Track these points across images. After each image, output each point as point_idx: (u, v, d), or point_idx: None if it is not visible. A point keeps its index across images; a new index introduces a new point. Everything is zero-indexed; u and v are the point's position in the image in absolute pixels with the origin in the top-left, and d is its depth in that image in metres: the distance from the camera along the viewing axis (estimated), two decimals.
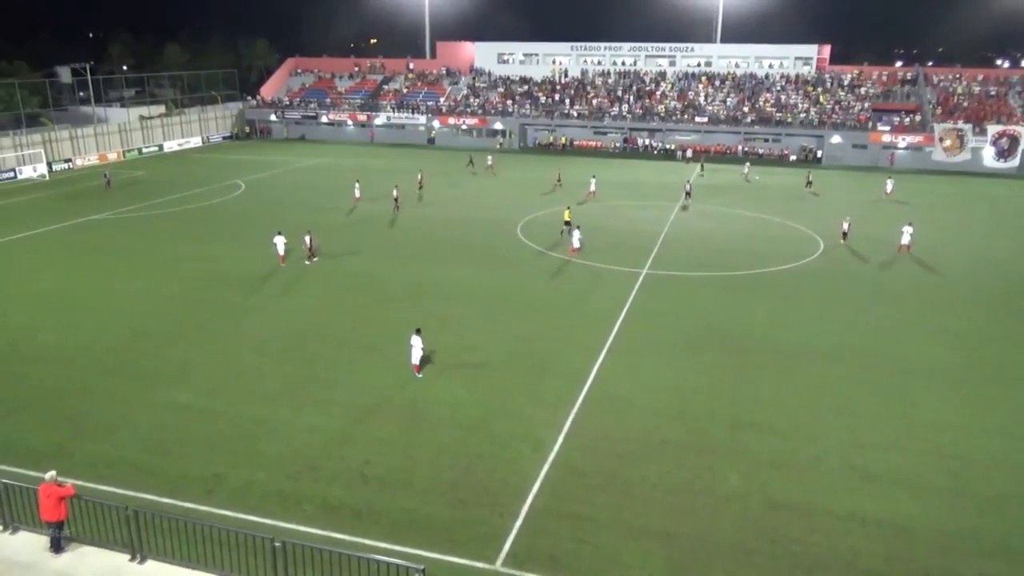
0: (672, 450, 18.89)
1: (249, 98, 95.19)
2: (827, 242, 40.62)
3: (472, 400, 21.42)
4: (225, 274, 33.37)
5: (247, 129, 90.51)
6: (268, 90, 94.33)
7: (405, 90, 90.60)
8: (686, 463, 18.30)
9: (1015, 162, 68.78)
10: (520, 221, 44.63)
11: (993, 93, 76.37)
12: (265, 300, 30.28)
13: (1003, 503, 16.80)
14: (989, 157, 69.47)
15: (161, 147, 77.63)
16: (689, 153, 75.37)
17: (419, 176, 56.25)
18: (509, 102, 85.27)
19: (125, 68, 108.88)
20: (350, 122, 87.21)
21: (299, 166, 67.55)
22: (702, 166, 67.21)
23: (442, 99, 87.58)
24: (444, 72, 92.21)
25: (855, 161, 72.68)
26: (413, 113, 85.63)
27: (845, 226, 41.01)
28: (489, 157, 66.76)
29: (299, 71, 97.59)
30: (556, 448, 18.86)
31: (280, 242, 34.78)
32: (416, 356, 22.45)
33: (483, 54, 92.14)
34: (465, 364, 23.78)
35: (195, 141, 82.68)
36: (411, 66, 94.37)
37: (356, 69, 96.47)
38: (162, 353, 24.69)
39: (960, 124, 70.72)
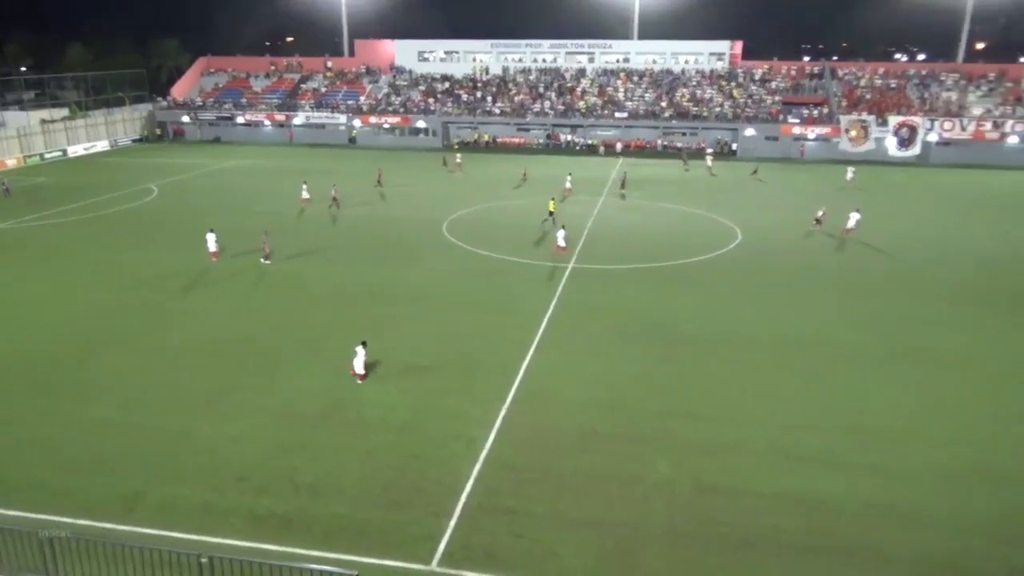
0: (603, 441, 19.17)
1: (159, 99, 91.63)
2: (745, 232, 41.94)
3: (403, 401, 21.22)
4: (144, 280, 32.02)
5: (158, 131, 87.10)
6: (179, 90, 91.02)
7: (324, 89, 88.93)
8: (617, 453, 18.60)
9: (915, 150, 72.52)
10: (445, 220, 44.42)
11: (893, 86, 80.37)
12: (189, 305, 29.25)
13: (916, 475, 17.70)
14: (892, 146, 73.04)
15: (65, 152, 73.83)
16: (618, 147, 76.66)
17: (378, 174, 55.68)
18: (431, 100, 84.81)
19: (23, 69, 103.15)
20: (267, 122, 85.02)
21: (216, 168, 65.46)
22: (686, 161, 68.69)
23: (362, 98, 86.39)
24: (364, 70, 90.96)
25: (768, 153, 75.27)
26: (333, 112, 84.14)
27: (820, 213, 42.84)
28: (458, 156, 67.25)
29: (212, 70, 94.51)
30: (489, 445, 18.88)
31: (211, 239, 34.19)
32: (359, 366, 22.08)
33: (403, 52, 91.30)
34: (396, 365, 23.52)
35: (102, 145, 79.04)
36: (329, 64, 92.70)
37: (272, 68, 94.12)
38: (77, 365, 23.53)
39: (864, 115, 74.12)
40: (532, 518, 15.96)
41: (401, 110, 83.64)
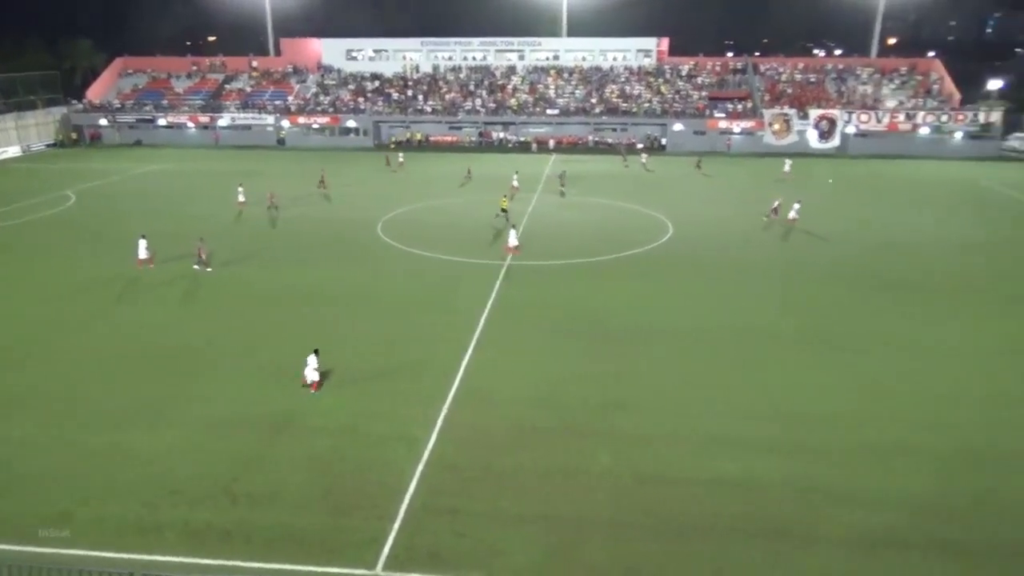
0: (544, 436, 19.31)
1: (74, 102, 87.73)
2: (676, 225, 42.80)
3: (342, 405, 20.93)
4: (67, 291, 30.68)
5: (74, 135, 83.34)
6: (95, 92, 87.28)
7: (250, 89, 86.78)
8: (558, 447, 18.77)
9: (835, 142, 75.33)
10: (382, 220, 43.96)
11: (813, 80, 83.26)
12: (118, 315, 28.14)
13: (846, 455, 18.41)
14: (813, 139, 75.68)
15: None
16: (551, 145, 77.14)
17: (321, 175, 54.62)
18: (361, 99, 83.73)
19: None
20: (191, 124, 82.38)
21: (138, 173, 63.10)
22: (624, 157, 69.39)
23: (290, 98, 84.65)
24: (291, 70, 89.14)
25: (696, 147, 76.97)
26: (260, 113, 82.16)
27: (775, 204, 44.58)
28: (400, 155, 66.51)
29: (129, 71, 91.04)
30: (430, 445, 18.80)
31: (143, 245, 33.36)
32: (311, 375, 21.53)
33: (331, 51, 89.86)
34: (334, 369, 23.16)
35: (13, 150, 75.25)
36: (255, 64, 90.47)
37: (194, 68, 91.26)
38: None
39: (786, 109, 76.59)
40: (476, 517, 15.98)
41: (331, 110, 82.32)
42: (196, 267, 33.45)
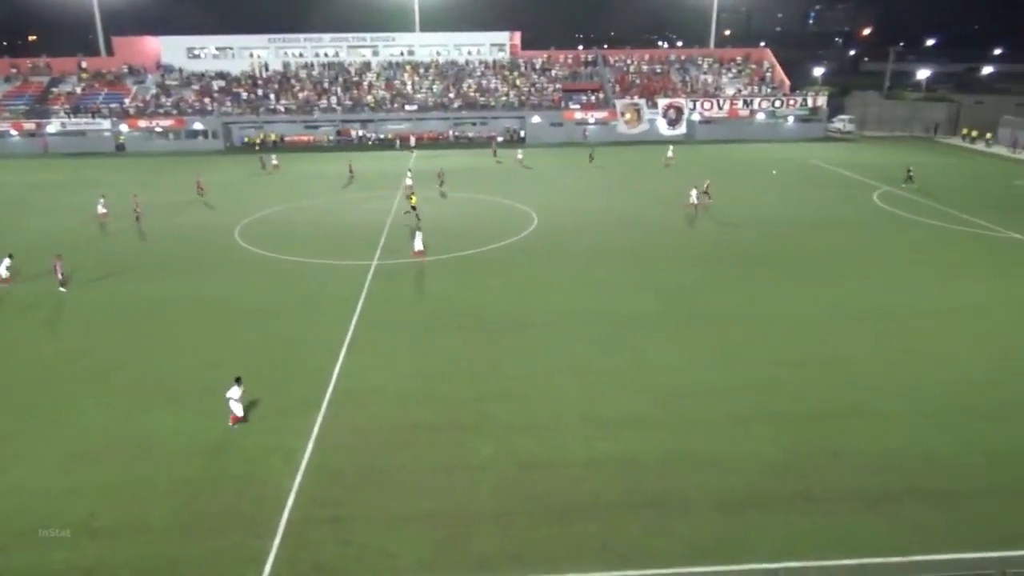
0: (424, 432, 19.20)
1: None
2: (541, 216, 43.65)
3: (209, 423, 19.84)
4: None
5: None
6: None
7: (80, 92, 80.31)
8: (439, 442, 18.72)
9: (682, 129, 79.44)
10: (240, 224, 42.03)
11: (659, 71, 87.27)
12: None
13: (709, 425, 19.50)
14: (663, 127, 79.42)
15: None
16: (412, 142, 76.34)
17: (197, 183, 51.25)
18: (207, 100, 79.53)
19: None
20: (14, 132, 75.18)
21: None
22: (495, 151, 69.03)
23: (127, 100, 79.05)
24: (126, 70, 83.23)
25: (554, 138, 78.85)
26: (95, 117, 76.20)
27: (706, 184, 46.43)
28: (274, 157, 63.64)
29: None
30: (308, 454, 18.22)
31: (3, 264, 31.66)
32: (237, 408, 19.54)
33: (170, 49, 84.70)
34: (196, 384, 21.96)
35: None
36: (84, 65, 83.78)
37: (14, 71, 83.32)
38: None
39: (636, 99, 79.90)
40: (360, 522, 15.66)
41: (175, 112, 77.68)
42: (62, 289, 30.72)
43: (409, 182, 52.57)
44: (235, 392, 19.46)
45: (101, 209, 43.90)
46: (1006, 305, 28.17)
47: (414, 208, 42.74)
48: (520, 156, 66.33)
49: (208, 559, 14.57)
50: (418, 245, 35.23)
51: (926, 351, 24.00)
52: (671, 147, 66.48)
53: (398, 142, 77.18)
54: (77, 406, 20.92)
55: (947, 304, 28.31)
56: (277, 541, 15.06)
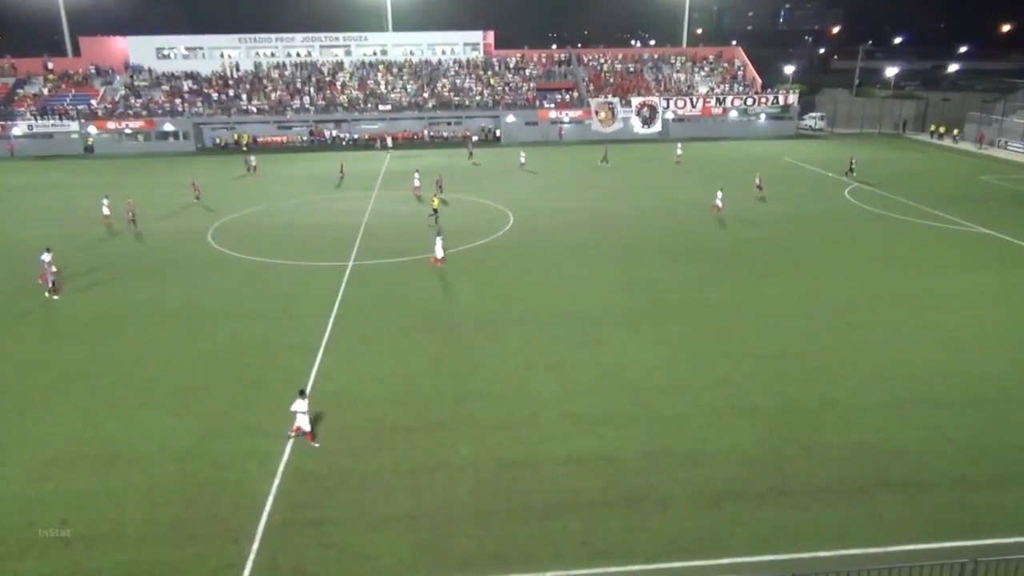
0: (403, 434, 19.14)
1: None
2: (516, 216, 43.70)
3: (183, 427, 19.61)
4: None
5: None
6: None
7: (47, 93, 78.92)
8: (418, 444, 18.67)
9: (657, 127, 79.92)
10: (211, 228, 41.58)
11: (632, 70, 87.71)
12: None
13: (685, 420, 19.66)
14: (637, 125, 79.83)
15: None
16: (389, 142, 75.95)
17: (193, 184, 50.27)
18: (178, 101, 78.57)
19: None
20: None
21: None
22: (471, 152, 68.54)
23: (95, 101, 77.83)
24: (93, 71, 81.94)
25: (529, 137, 78.98)
26: (62, 119, 74.94)
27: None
28: (252, 158, 62.55)
29: None
30: (285, 458, 18.08)
31: (46, 259, 30.68)
32: (304, 422, 18.56)
33: (138, 49, 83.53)
34: (170, 389, 21.69)
35: None
36: (50, 66, 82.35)
37: None
38: None
39: (610, 98, 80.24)
40: (339, 525, 15.58)
41: (144, 113, 76.65)
42: (50, 295, 29.98)
43: (416, 183, 51.60)
44: (301, 405, 18.38)
45: (105, 211, 43.27)
46: (972, 298, 28.72)
47: (435, 211, 41.81)
48: (523, 159, 62.79)
49: (185, 566, 14.40)
50: (439, 252, 33.59)
51: (894, 343, 24.41)
52: (679, 144, 67.31)
53: (378, 142, 76.73)
54: (47, 412, 20.54)
55: (915, 297, 28.80)
56: (255, 546, 14.93)
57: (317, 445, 18.47)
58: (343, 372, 22.91)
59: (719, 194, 43.41)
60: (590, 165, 62.42)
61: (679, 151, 65.40)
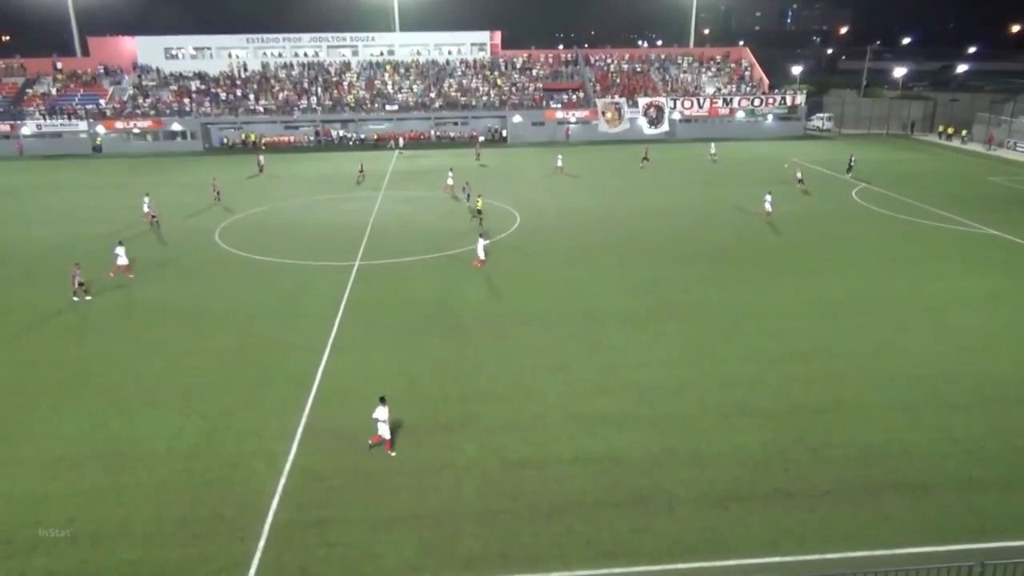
0: (409, 433, 19.15)
1: None
2: (523, 215, 43.68)
3: (189, 426, 19.68)
4: None
5: None
6: None
7: (56, 93, 79.31)
8: (424, 443, 18.69)
9: (664, 128, 79.75)
10: (218, 227, 41.71)
11: (639, 70, 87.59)
12: None
13: (690, 421, 19.62)
14: (644, 126, 79.69)
15: None
16: (402, 142, 75.94)
17: (213, 184, 50.16)
18: (186, 100, 78.85)
19: None
20: None
21: None
22: (478, 153, 68.07)
23: (103, 101, 78.16)
24: (102, 71, 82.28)
25: (535, 137, 78.96)
26: (71, 119, 75.28)
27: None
28: (262, 157, 62.96)
29: None
30: (291, 457, 18.12)
31: (119, 251, 32.38)
32: (385, 430, 18.16)
33: (147, 49, 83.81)
34: (177, 388, 21.76)
35: None
36: (59, 66, 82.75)
37: None
38: None
39: (617, 98, 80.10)
40: (345, 524, 15.60)
41: (152, 113, 76.94)
42: (76, 299, 29.65)
43: (450, 181, 51.63)
44: (382, 413, 17.99)
45: (146, 208, 43.58)
46: (979, 300, 28.58)
47: (479, 212, 41.79)
48: (560, 164, 59.94)
49: (191, 564, 14.45)
50: (481, 253, 33.23)
51: (901, 345, 24.30)
52: (713, 144, 67.51)
53: (392, 142, 76.75)
54: (55, 411, 20.65)
55: (922, 299, 28.66)
56: (261, 544, 14.97)
57: (393, 454, 18.22)
58: (349, 372, 22.95)
59: (768, 198, 42.58)
60: (595, 165, 62.32)
61: (713, 150, 65.52)
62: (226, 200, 49.19)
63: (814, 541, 14.81)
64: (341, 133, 79.51)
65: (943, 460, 17.64)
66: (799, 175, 50.77)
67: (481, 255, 33.09)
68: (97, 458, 18.24)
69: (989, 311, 27.38)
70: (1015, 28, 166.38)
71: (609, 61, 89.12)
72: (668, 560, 14.37)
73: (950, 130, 79.23)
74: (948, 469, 17.28)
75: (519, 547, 14.85)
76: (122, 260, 32.32)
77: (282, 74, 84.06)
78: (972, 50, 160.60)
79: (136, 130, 75.78)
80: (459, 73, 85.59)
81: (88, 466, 17.91)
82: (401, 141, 76.12)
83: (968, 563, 11.97)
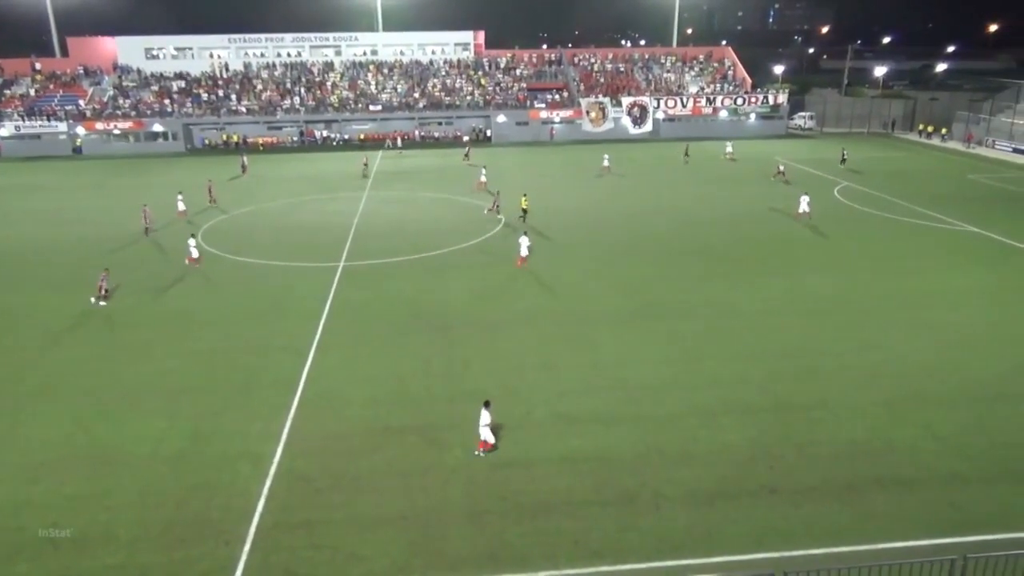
0: (396, 435, 19.10)
1: None
2: (507, 216, 43.66)
3: (174, 429, 19.52)
4: None
5: None
6: None
7: (34, 94, 78.34)
8: (411, 444, 18.64)
9: (648, 127, 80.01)
10: (200, 229, 41.38)
11: (622, 69, 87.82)
12: None
13: (677, 419, 19.70)
14: (629, 125, 79.90)
15: None
16: (399, 142, 75.47)
17: (208, 186, 49.33)
18: (167, 101, 78.16)
19: None
20: None
21: None
22: (467, 153, 67.85)
23: (83, 102, 77.30)
24: (81, 72, 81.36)
25: (520, 137, 78.98)
26: (50, 120, 74.35)
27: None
28: (245, 158, 63.12)
29: None
30: (277, 459, 18.02)
31: (192, 244, 34.12)
32: (487, 434, 18.11)
33: (127, 50, 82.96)
34: (161, 391, 21.58)
35: None
36: (37, 66, 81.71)
37: None
38: None
39: (600, 98, 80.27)
40: (331, 526, 15.53)
41: (133, 113, 76.21)
42: (96, 302, 29.12)
43: (483, 179, 51.99)
44: (485, 418, 17.95)
45: (180, 206, 43.87)
46: (961, 297, 28.91)
47: (525, 211, 41.55)
48: (607, 163, 59.08)
49: (176, 568, 14.34)
50: (523, 251, 33.15)
51: (884, 342, 24.52)
52: (729, 143, 67.98)
53: (388, 142, 76.30)
54: (38, 414, 20.41)
55: (904, 296, 28.94)
56: (247, 548, 14.87)
57: (478, 453, 18.09)
58: (335, 373, 22.85)
59: (804, 198, 41.52)
60: (580, 165, 62.41)
61: (729, 149, 65.93)
62: (243, 199, 48.76)
63: (799, 537, 14.92)
64: (325, 133, 79.12)
65: (926, 456, 17.82)
66: (781, 167, 53.39)
67: (524, 252, 33.12)
68: (81, 462, 18.05)
69: (971, 308, 27.69)
70: (993, 28, 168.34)
71: (593, 61, 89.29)
72: (655, 558, 14.43)
73: (930, 128, 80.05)
74: (931, 464, 17.46)
75: (507, 547, 14.85)
76: (194, 252, 33.89)
77: (264, 74, 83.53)
78: (951, 49, 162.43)
79: (117, 131, 75.02)
80: (443, 73, 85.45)
81: (72, 470, 17.72)
82: (399, 141, 75.62)
83: (950, 557, 12.11)
